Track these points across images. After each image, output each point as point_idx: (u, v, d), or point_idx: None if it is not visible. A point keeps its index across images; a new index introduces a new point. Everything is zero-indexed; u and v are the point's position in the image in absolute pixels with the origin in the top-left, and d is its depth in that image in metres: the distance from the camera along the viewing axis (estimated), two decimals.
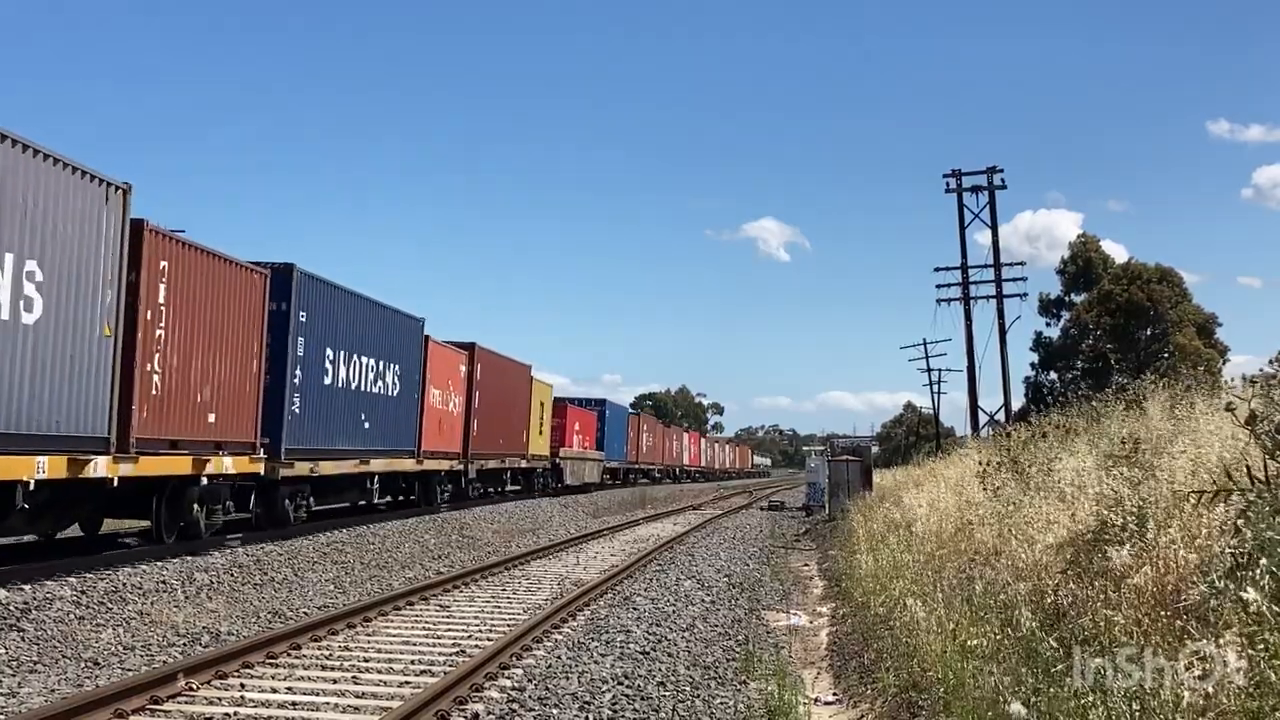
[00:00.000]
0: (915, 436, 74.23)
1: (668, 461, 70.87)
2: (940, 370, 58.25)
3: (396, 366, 23.55)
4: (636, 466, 58.74)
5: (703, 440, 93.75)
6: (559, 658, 9.80)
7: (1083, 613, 6.07)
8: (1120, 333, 54.34)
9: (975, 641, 6.78)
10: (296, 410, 18.55)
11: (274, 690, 8.33)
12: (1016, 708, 5.31)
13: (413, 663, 9.48)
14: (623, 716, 7.82)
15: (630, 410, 61.18)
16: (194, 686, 8.13)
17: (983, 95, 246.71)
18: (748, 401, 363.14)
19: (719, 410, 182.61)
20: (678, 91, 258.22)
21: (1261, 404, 4.44)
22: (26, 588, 11.58)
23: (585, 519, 31.52)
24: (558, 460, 40.33)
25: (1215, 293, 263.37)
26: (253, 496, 17.92)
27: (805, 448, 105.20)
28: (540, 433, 37.94)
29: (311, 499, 19.97)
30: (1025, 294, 35.19)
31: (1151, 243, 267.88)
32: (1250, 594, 3.63)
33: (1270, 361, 6.17)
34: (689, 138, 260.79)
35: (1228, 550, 4.45)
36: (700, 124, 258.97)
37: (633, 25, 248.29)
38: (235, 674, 8.69)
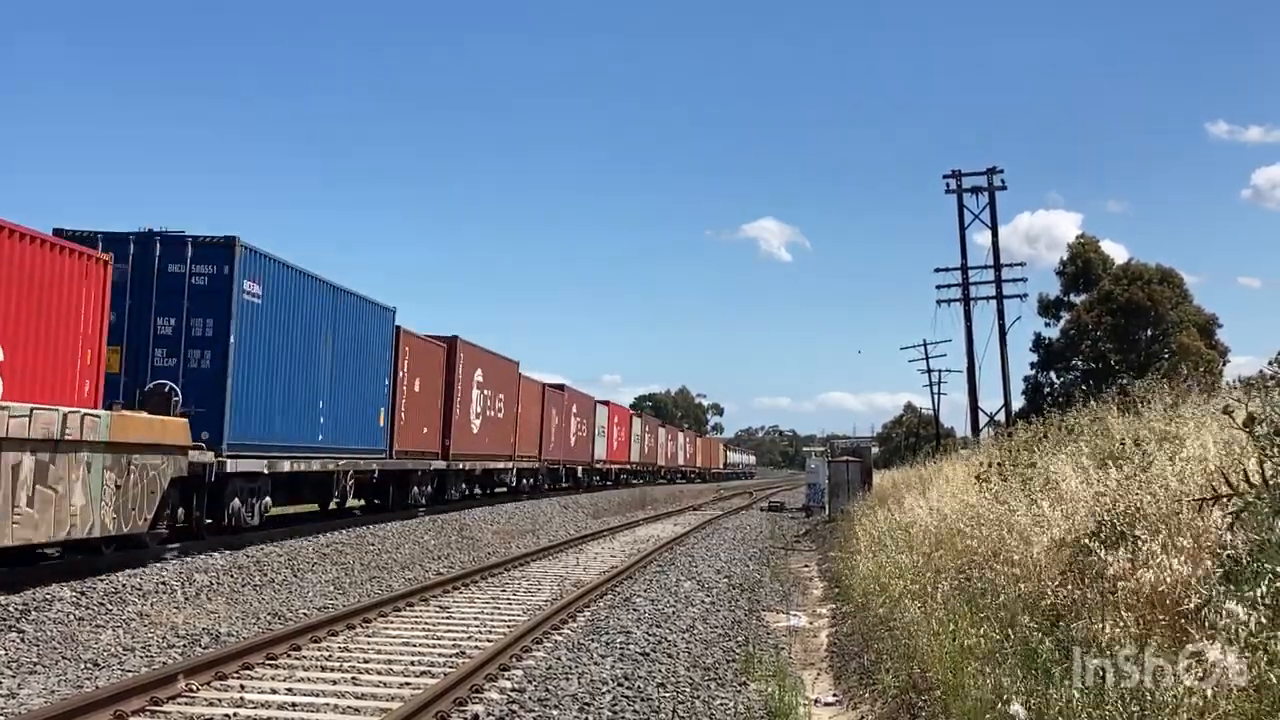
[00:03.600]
0: (915, 437, 74.15)
1: (563, 456, 41.44)
2: (940, 371, 58.13)
3: None
4: (446, 465, 27.05)
5: (637, 422, 61.03)
6: (559, 659, 9.80)
7: (1081, 614, 6.08)
8: (1120, 333, 54.35)
9: (974, 642, 6.78)
10: None
11: (274, 691, 8.34)
12: (1016, 708, 5.31)
13: (412, 664, 9.49)
14: (623, 717, 7.82)
15: (429, 336, 26.68)
16: (194, 687, 8.13)
17: (983, 95, 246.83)
18: (748, 402, 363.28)
19: (719, 411, 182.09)
20: (678, 92, 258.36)
21: (1259, 406, 4.44)
22: (27, 589, 11.59)
23: (585, 520, 31.51)
24: None
25: (1215, 293, 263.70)
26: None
27: (805, 449, 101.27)
28: None
29: None
30: (1025, 295, 35.12)
31: (1151, 243, 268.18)
32: (1240, 610, 3.64)
33: (1270, 363, 6.19)
34: (689, 138, 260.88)
35: (1226, 553, 4.46)
36: (700, 124, 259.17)
37: (633, 26, 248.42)
38: (235, 675, 8.69)
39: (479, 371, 29.90)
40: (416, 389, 24.88)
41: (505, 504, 31.17)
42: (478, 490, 31.92)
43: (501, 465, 33.04)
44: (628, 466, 56.44)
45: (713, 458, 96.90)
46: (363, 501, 24.66)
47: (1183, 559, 5.59)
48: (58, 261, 12.95)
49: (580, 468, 45.15)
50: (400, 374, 23.68)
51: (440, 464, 26.82)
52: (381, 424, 22.71)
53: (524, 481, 36.14)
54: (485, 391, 30.48)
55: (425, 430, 25.65)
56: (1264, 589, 3.74)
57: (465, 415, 28.55)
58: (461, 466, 28.59)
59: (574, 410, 43.46)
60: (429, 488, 26.25)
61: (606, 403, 51.91)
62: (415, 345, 24.89)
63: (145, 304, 16.03)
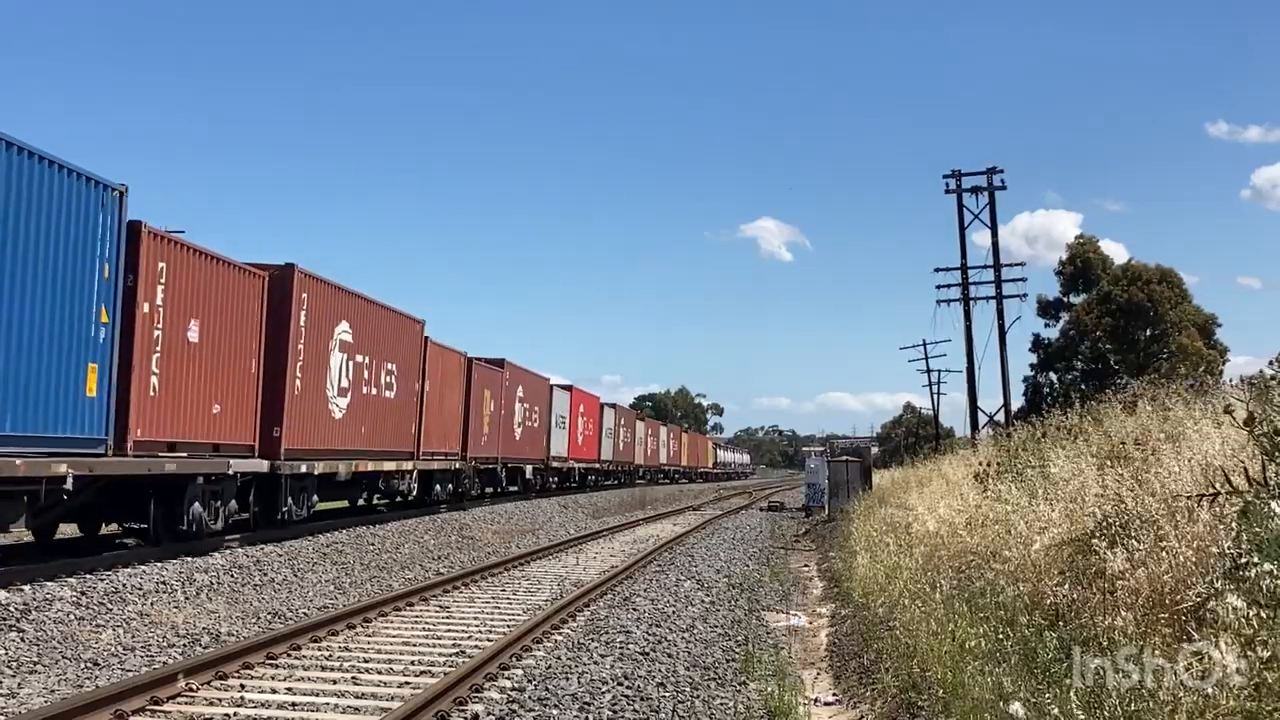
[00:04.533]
0: (915, 437, 74.22)
1: (503, 452, 32.54)
2: (940, 371, 58.36)
3: None
4: (270, 466, 17.43)
5: (609, 413, 49.89)
6: (559, 658, 9.80)
7: (1080, 614, 6.08)
8: (1120, 334, 54.43)
9: (974, 642, 6.79)
10: None
11: (274, 691, 8.34)
12: (1016, 708, 5.32)
13: (412, 663, 9.49)
14: (622, 717, 7.82)
15: (247, 264, 16.79)
16: (194, 687, 8.13)
17: (982, 94, 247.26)
18: (748, 402, 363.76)
19: (719, 411, 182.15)
20: (676, 91, 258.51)
21: (1259, 406, 4.45)
22: (26, 588, 11.60)
23: (585, 519, 31.50)
24: None
25: (1214, 293, 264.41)
26: None
27: (805, 448, 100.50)
28: None
29: None
30: (1025, 295, 35.15)
31: (1150, 243, 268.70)
32: (1237, 601, 3.65)
33: (1270, 362, 6.18)
34: (687, 137, 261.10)
35: (1227, 552, 4.46)
36: (699, 123, 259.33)
37: (632, 25, 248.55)
38: (235, 675, 8.69)
39: (344, 326, 20.17)
40: (193, 339, 15.19)
41: (504, 504, 31.07)
42: (376, 499, 24.44)
43: (391, 466, 23.08)
44: (596, 466, 46.86)
45: (700, 456, 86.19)
46: (120, 527, 16.04)
47: (1183, 556, 5.60)
48: None
49: (530, 467, 35.95)
50: (145, 308, 13.94)
51: (257, 464, 17.22)
52: (93, 394, 12.95)
53: (436, 488, 26.92)
54: (360, 358, 21.05)
55: (217, 410, 16.01)
56: (1263, 587, 3.75)
57: (315, 391, 19.21)
58: (303, 469, 18.72)
59: (520, 394, 34.26)
60: (228, 503, 16.62)
61: (569, 388, 42.30)
62: (189, 265, 15.07)
63: None
